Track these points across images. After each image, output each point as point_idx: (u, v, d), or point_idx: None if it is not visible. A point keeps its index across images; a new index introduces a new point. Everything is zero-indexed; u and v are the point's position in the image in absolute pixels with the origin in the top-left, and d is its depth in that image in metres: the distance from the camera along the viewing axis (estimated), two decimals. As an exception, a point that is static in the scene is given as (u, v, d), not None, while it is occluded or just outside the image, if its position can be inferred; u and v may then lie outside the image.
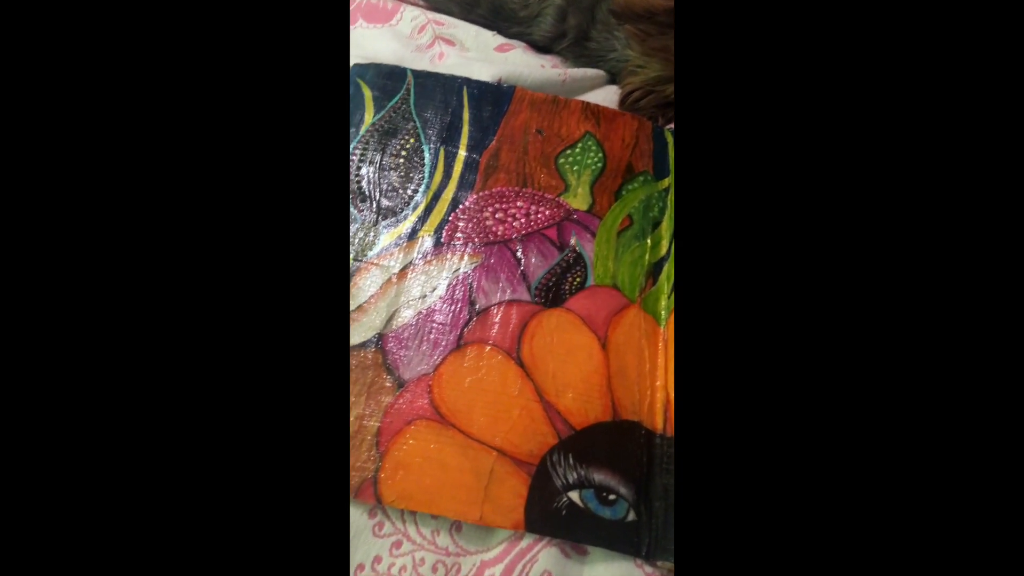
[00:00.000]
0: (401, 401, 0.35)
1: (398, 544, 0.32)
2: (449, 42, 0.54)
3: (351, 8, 0.54)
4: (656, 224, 0.43)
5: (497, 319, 0.38)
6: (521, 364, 0.37)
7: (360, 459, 0.33)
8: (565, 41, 0.53)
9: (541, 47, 0.55)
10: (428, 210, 0.42)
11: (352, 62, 0.49)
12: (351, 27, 0.53)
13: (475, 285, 0.39)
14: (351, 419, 0.34)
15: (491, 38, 0.55)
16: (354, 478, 0.32)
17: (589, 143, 0.46)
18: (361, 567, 0.31)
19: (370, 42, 0.52)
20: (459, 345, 0.37)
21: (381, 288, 0.38)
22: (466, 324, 0.38)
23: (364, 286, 0.38)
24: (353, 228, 0.40)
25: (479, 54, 0.53)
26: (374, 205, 0.41)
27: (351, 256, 0.39)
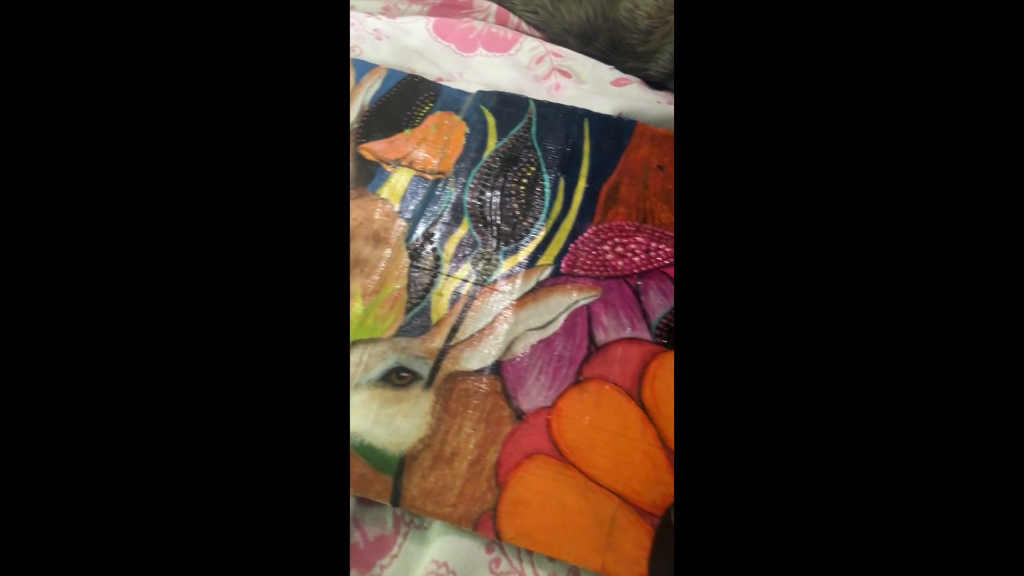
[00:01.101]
0: (520, 433, 0.34)
1: (512, 584, 0.31)
2: (566, 74, 0.54)
3: (471, 36, 0.55)
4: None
5: (617, 357, 0.37)
6: (642, 406, 0.35)
7: (479, 490, 0.32)
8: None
9: (656, 83, 0.55)
10: (547, 239, 0.41)
11: (474, 89, 0.50)
12: (470, 55, 0.54)
13: (594, 319, 0.38)
14: (470, 446, 0.33)
15: (607, 72, 0.55)
16: (472, 509, 0.31)
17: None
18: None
19: (489, 70, 0.53)
20: (578, 380, 0.36)
21: (500, 314, 0.38)
22: (585, 359, 0.37)
23: (484, 311, 0.38)
24: (474, 252, 0.40)
25: (596, 87, 0.53)
26: (494, 230, 0.41)
27: (471, 280, 0.39)
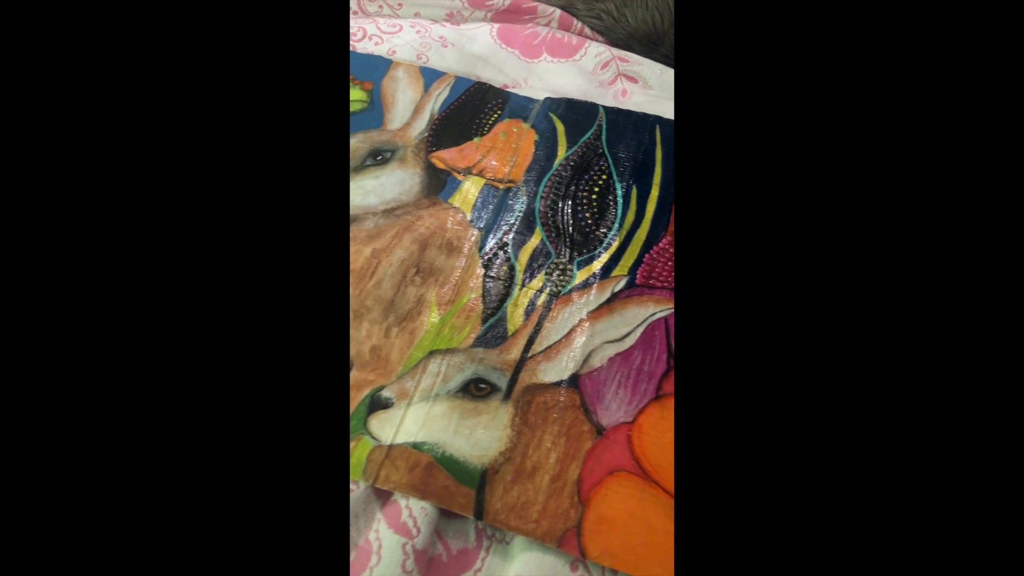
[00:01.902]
0: (601, 448, 0.33)
1: (596, 603, 0.30)
2: (632, 79, 0.53)
3: (536, 42, 0.55)
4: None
5: (698, 371, 0.36)
6: (726, 423, 0.34)
7: (562, 506, 0.31)
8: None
9: (724, 88, 0.54)
10: (621, 249, 0.40)
11: (541, 95, 0.49)
12: (535, 61, 0.54)
13: (672, 332, 0.37)
14: (551, 461, 0.33)
15: (674, 77, 0.54)
16: (555, 526, 0.31)
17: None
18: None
19: (555, 76, 0.53)
20: (658, 395, 0.35)
21: (576, 326, 0.37)
22: (665, 374, 0.36)
23: (560, 322, 0.37)
24: (547, 262, 0.40)
25: (663, 92, 0.52)
26: (568, 240, 0.41)
27: (546, 291, 0.39)
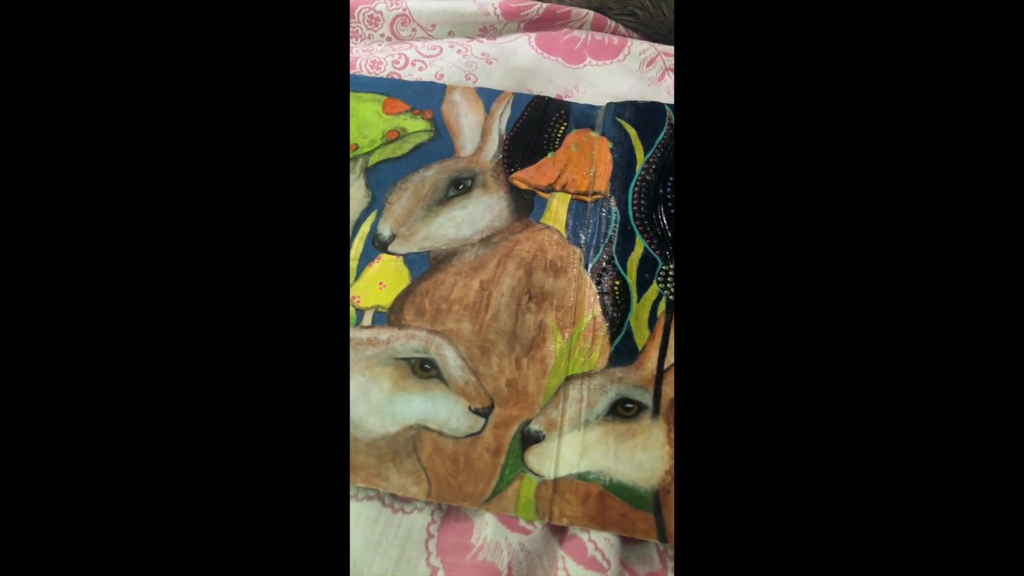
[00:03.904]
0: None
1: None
2: (680, 73, 0.53)
3: (576, 48, 0.55)
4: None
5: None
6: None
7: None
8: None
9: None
10: (723, 247, 0.40)
11: (604, 101, 0.49)
12: (579, 66, 0.54)
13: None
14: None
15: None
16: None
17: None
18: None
19: (603, 80, 0.52)
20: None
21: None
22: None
23: (685, 330, 0.37)
24: (656, 271, 0.39)
25: (713, 83, 0.52)
26: (670, 244, 0.40)
27: (663, 299, 0.38)
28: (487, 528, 0.31)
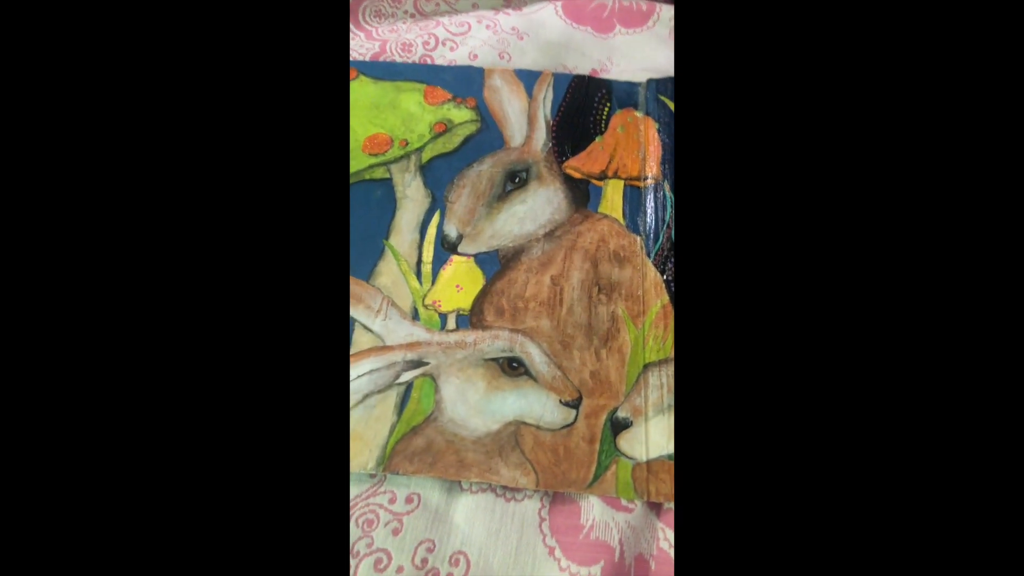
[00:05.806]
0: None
1: None
2: (710, 38, 0.53)
3: (604, 15, 0.54)
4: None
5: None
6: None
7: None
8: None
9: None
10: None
11: (631, 76, 0.49)
12: (609, 35, 0.53)
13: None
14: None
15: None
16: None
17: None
18: None
19: (636, 51, 0.52)
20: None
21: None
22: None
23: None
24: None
25: (744, 48, 0.53)
26: (723, 227, 0.42)
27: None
28: (594, 509, 0.35)
